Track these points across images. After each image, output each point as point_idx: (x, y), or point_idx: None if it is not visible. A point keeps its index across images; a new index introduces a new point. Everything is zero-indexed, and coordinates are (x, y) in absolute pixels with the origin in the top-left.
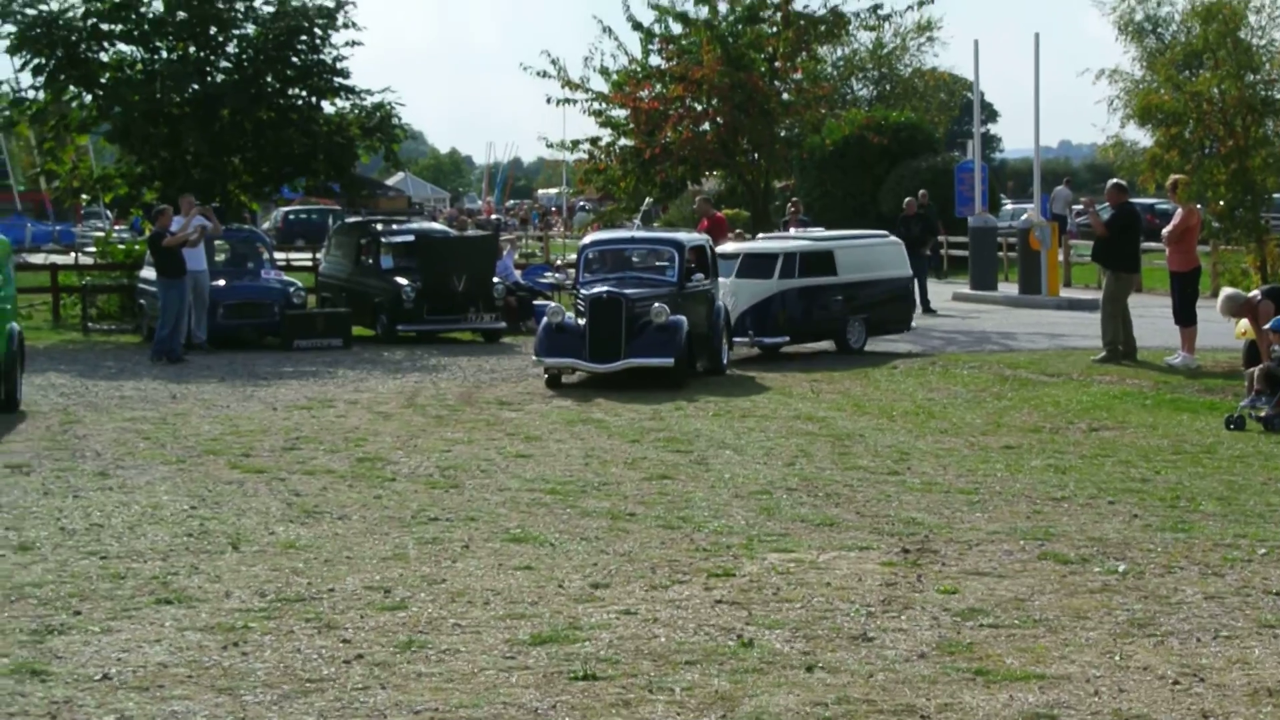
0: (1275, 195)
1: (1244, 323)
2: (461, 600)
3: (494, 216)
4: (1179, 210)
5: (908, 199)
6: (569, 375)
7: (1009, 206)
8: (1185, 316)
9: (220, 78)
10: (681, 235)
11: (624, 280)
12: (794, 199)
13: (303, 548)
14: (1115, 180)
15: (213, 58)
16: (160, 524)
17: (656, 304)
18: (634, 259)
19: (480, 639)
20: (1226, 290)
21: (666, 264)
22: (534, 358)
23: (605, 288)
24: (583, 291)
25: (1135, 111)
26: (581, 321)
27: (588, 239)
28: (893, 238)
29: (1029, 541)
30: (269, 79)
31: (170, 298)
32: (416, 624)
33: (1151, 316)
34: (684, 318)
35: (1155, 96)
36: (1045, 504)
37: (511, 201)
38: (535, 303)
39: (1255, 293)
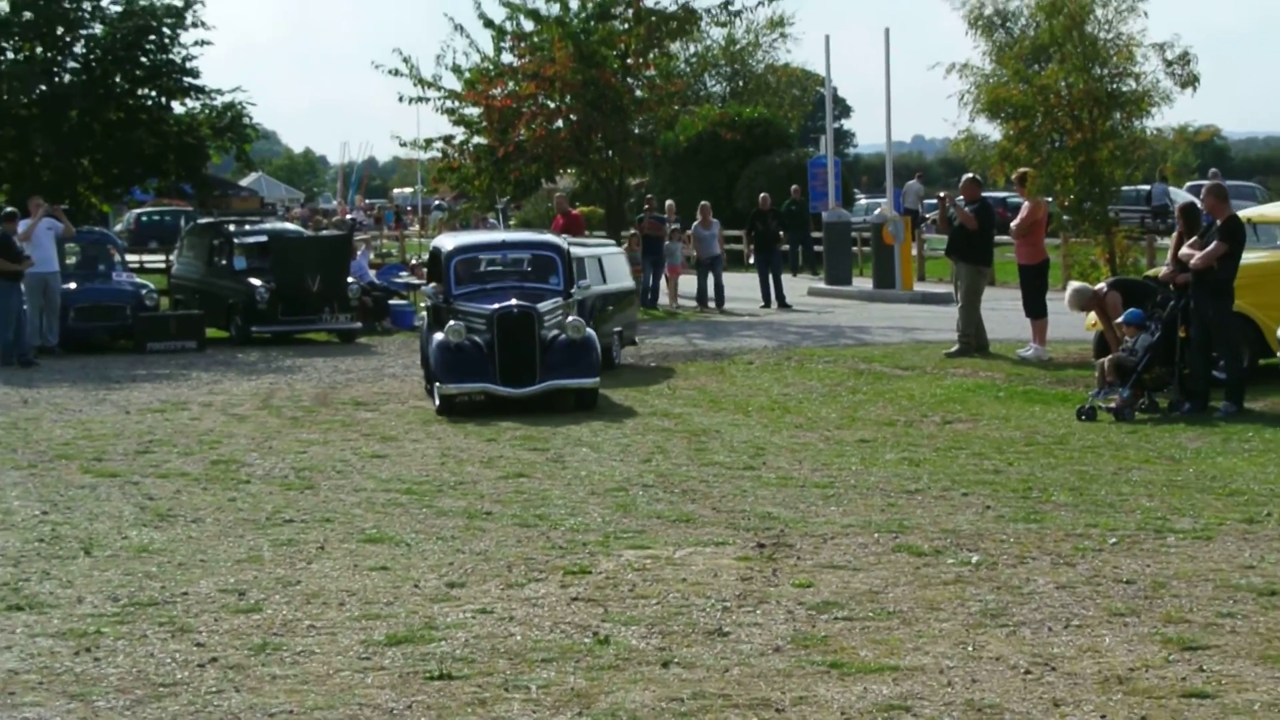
0: (1123, 188)
1: (1094, 314)
2: (317, 602)
3: (349, 216)
4: (1026, 203)
5: (761, 194)
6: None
7: (863, 201)
8: (1035, 309)
9: (68, 78)
10: (554, 238)
11: (512, 291)
12: (648, 195)
13: (156, 551)
14: (971, 175)
15: (60, 58)
16: (11, 530)
17: (572, 318)
18: (510, 266)
19: (335, 640)
20: (1074, 284)
21: (549, 270)
22: (435, 384)
23: (515, 301)
24: (473, 306)
25: (985, 105)
26: (479, 339)
27: (450, 244)
28: (617, 248)
29: (883, 534)
30: (118, 79)
31: (10, 302)
32: (271, 626)
33: (1003, 309)
34: (593, 331)
35: (1004, 90)
36: (899, 497)
37: (367, 201)
38: (390, 301)
39: (1101, 285)
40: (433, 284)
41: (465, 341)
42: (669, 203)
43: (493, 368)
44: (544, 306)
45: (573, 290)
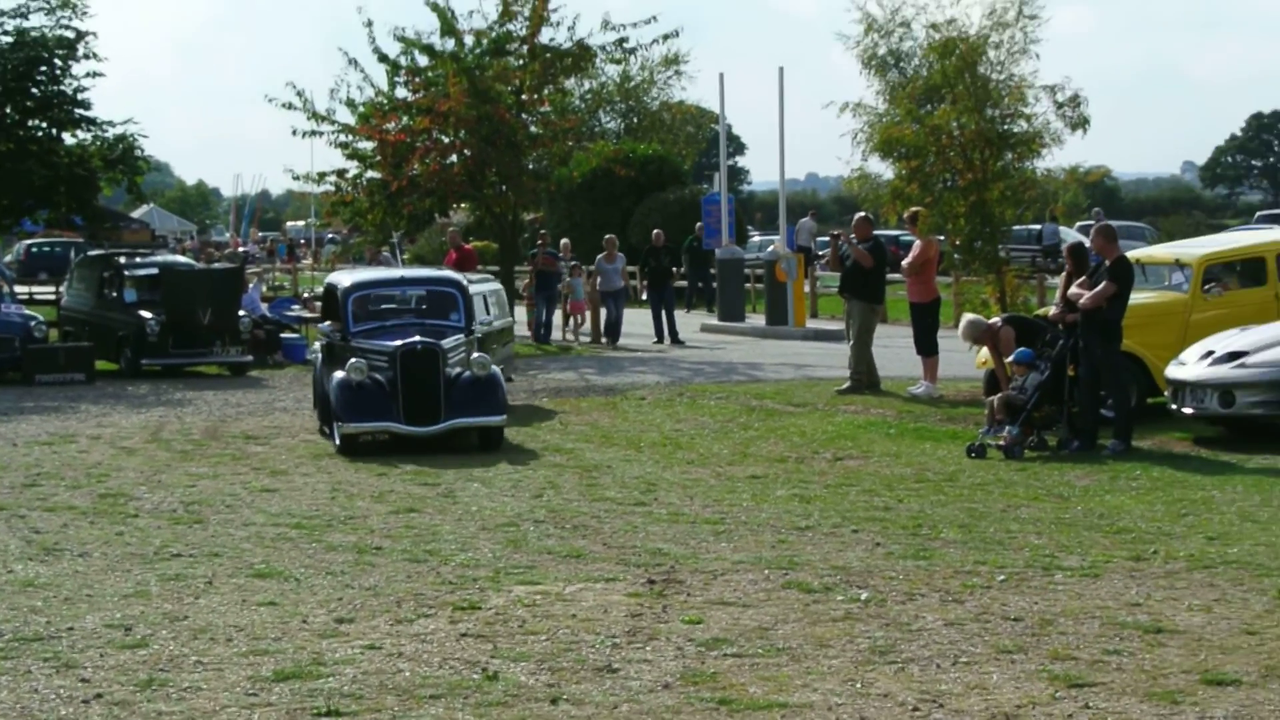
0: (1014, 227)
1: (984, 352)
2: (204, 637)
3: (241, 249)
4: (918, 242)
5: (655, 231)
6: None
7: (756, 238)
8: (926, 346)
9: None
10: (453, 274)
11: (412, 328)
12: (542, 231)
13: (42, 586)
14: (863, 214)
15: None
16: None
17: (476, 354)
18: (409, 303)
19: (222, 676)
20: (968, 316)
21: (449, 307)
22: (337, 423)
23: (418, 338)
24: (373, 343)
25: (878, 144)
26: (380, 377)
27: (346, 280)
28: (494, 283)
29: (773, 570)
30: (8, 110)
31: None
32: (158, 662)
33: (895, 347)
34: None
35: (896, 130)
36: (790, 533)
37: (260, 234)
38: (282, 335)
39: (995, 320)
40: (328, 321)
41: (367, 379)
42: (564, 241)
43: (396, 406)
44: (447, 343)
45: (474, 327)
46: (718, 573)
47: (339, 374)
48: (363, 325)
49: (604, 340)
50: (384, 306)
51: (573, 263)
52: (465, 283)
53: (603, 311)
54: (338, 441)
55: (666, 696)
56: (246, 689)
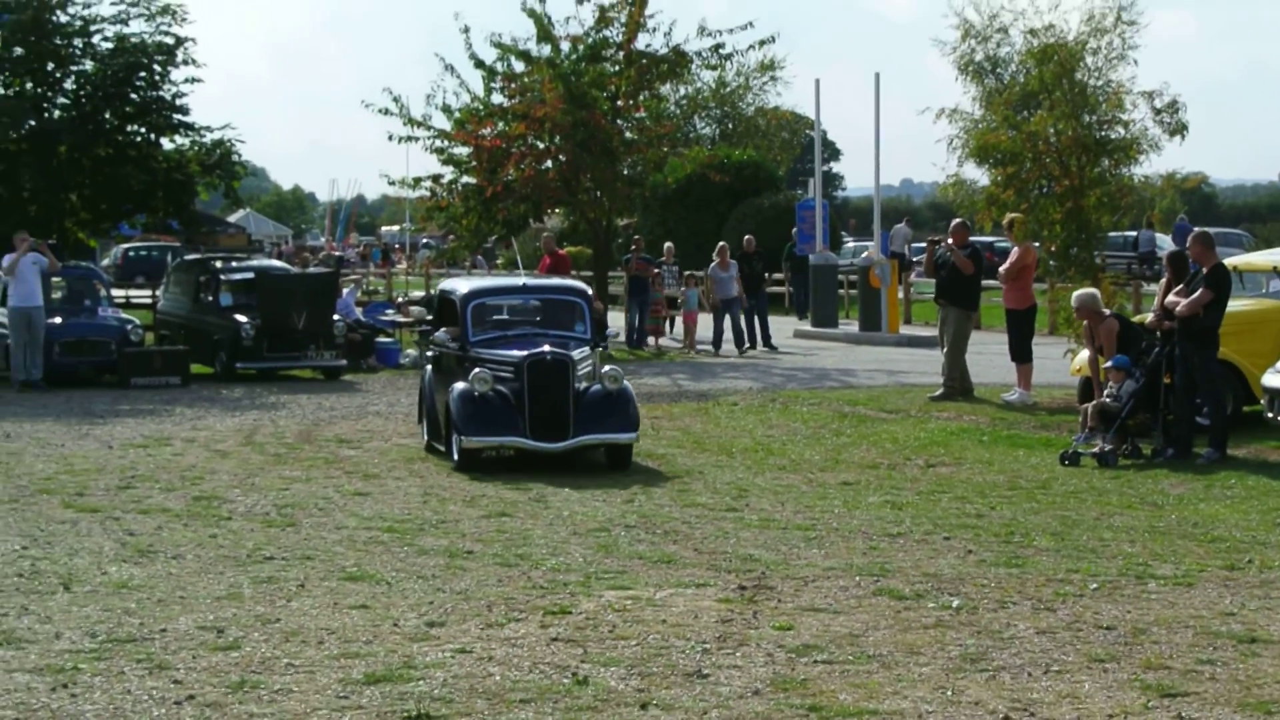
0: (1110, 234)
1: (1080, 358)
2: (295, 640)
3: (336, 253)
4: (1015, 248)
5: (747, 236)
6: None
7: (850, 244)
8: (1021, 353)
9: (58, 114)
10: (578, 284)
11: (538, 338)
12: (636, 236)
13: (135, 588)
14: (960, 219)
15: (50, 94)
16: None
17: (608, 367)
18: (531, 312)
19: (314, 679)
20: (1086, 290)
21: (574, 317)
22: (457, 436)
23: (547, 347)
24: (496, 353)
25: (973, 151)
26: (505, 389)
27: (464, 287)
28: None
29: (864, 577)
30: (107, 115)
31: None
32: (249, 664)
33: (990, 354)
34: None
35: (992, 136)
36: (881, 540)
37: (356, 239)
38: (377, 339)
39: (1107, 310)
40: (443, 329)
41: (491, 391)
42: (667, 245)
43: (522, 420)
44: (576, 354)
45: (601, 340)
46: (809, 579)
47: (460, 385)
48: (483, 334)
49: (746, 347)
50: (505, 316)
51: (687, 273)
52: (590, 292)
53: (720, 320)
54: (456, 456)
55: (756, 703)
56: (337, 692)
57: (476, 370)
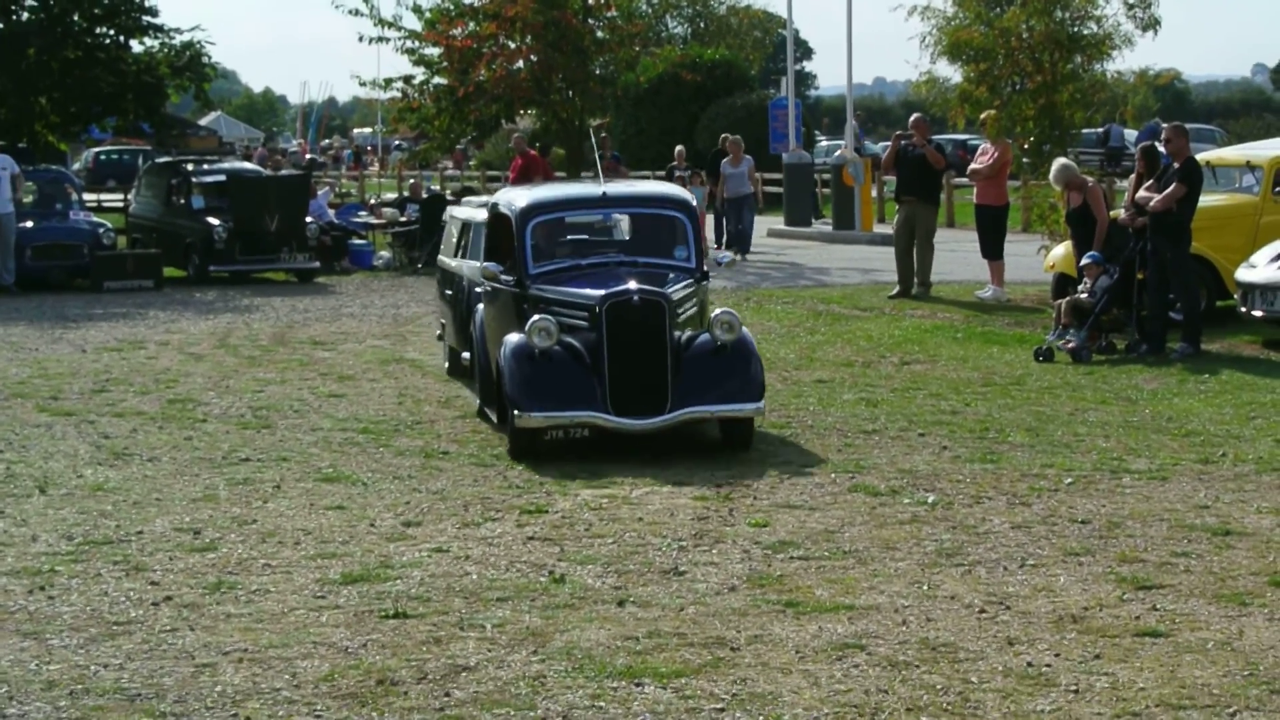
0: (1083, 130)
1: (1054, 254)
2: (272, 540)
3: (309, 156)
4: (990, 145)
5: (723, 135)
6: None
7: (824, 143)
8: (993, 250)
9: (25, 16)
10: (679, 191)
11: (623, 269)
12: (603, 135)
13: (111, 490)
14: (919, 115)
15: None
16: None
17: (720, 310)
18: (614, 232)
19: (290, 579)
20: (1061, 160)
21: (674, 238)
22: (511, 410)
23: (633, 284)
24: (565, 291)
25: (946, 48)
26: (577, 343)
27: (522, 199)
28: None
29: (840, 474)
30: (75, 17)
31: None
32: (226, 565)
33: (963, 251)
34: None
35: (965, 33)
36: (857, 437)
37: (326, 141)
38: (350, 241)
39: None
40: (493, 262)
41: (556, 346)
42: (679, 149)
43: (600, 387)
44: (674, 291)
45: (708, 268)
46: (784, 476)
47: (514, 336)
48: (547, 264)
49: (735, 253)
50: (578, 237)
51: (688, 170)
52: (695, 203)
53: (733, 219)
54: (510, 440)
55: (733, 599)
56: (314, 592)
57: (536, 318)
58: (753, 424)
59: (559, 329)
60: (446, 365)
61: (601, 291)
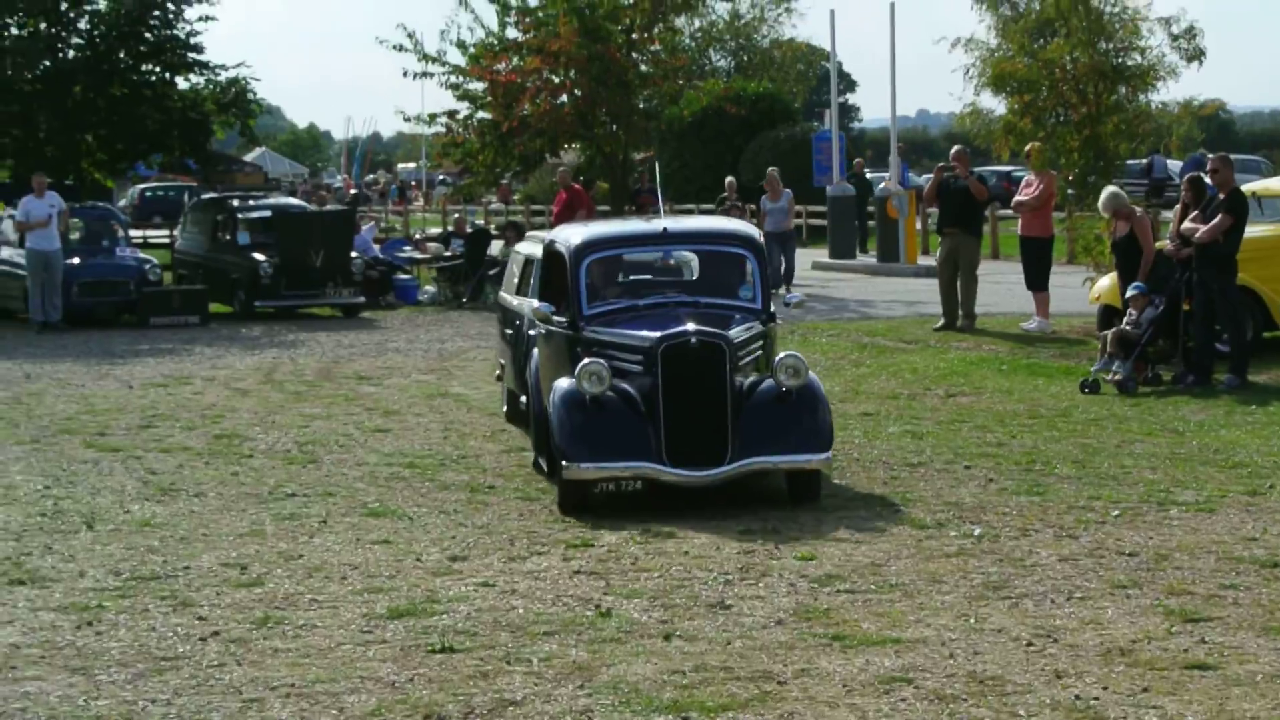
0: (1127, 161)
1: (1100, 285)
2: (319, 575)
3: (353, 191)
4: (1034, 176)
5: (771, 169)
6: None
7: (866, 175)
8: (1039, 282)
9: (72, 54)
10: (744, 226)
11: (683, 310)
12: (640, 170)
13: (158, 526)
14: (960, 147)
15: (64, 34)
16: (13, 504)
17: (785, 354)
18: (675, 271)
19: (337, 614)
20: (1111, 188)
21: (737, 276)
22: (561, 461)
23: (691, 325)
24: (620, 334)
25: (990, 80)
26: (631, 389)
27: (576, 237)
28: None
29: (885, 508)
30: (121, 55)
31: None
32: (273, 600)
33: (1007, 283)
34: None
35: (1009, 64)
36: (902, 470)
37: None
38: (394, 276)
39: (1139, 209)
40: (547, 302)
41: (609, 393)
42: (729, 180)
43: (655, 436)
44: (737, 334)
45: (775, 309)
46: (829, 509)
47: (563, 382)
48: (602, 305)
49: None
50: (638, 277)
51: (735, 204)
52: (760, 240)
53: (774, 255)
54: (560, 492)
55: (779, 632)
56: (361, 626)
57: (586, 362)
58: (820, 476)
59: (611, 374)
60: (505, 409)
61: (658, 333)
